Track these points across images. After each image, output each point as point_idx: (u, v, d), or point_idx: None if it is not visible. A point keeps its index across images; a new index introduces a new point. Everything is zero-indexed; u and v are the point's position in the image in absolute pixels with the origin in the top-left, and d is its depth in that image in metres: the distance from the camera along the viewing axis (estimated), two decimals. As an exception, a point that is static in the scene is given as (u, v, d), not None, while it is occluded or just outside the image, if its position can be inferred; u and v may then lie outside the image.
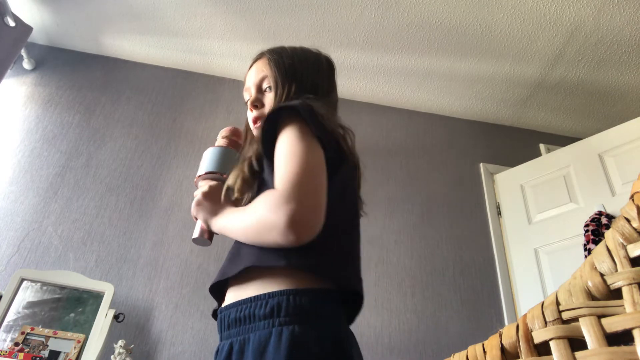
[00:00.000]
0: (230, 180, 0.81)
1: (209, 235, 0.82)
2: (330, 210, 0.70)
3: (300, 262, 0.66)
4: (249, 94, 0.94)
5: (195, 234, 0.82)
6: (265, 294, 0.66)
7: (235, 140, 0.96)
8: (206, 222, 0.81)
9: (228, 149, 0.92)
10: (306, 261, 0.67)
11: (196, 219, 0.84)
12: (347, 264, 0.75)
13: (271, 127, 0.76)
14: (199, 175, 0.89)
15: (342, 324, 0.70)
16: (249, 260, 0.68)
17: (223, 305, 0.74)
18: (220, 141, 0.95)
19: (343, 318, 0.71)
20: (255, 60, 0.96)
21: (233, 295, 0.72)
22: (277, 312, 0.63)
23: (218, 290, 0.80)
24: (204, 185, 0.85)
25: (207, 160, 0.91)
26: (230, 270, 0.72)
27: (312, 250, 0.67)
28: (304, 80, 0.90)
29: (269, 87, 0.90)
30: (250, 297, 0.67)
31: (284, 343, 0.60)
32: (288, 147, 0.71)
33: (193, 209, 0.83)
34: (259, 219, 0.66)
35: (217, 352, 0.73)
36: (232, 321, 0.68)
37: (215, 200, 0.81)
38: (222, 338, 0.71)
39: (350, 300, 0.74)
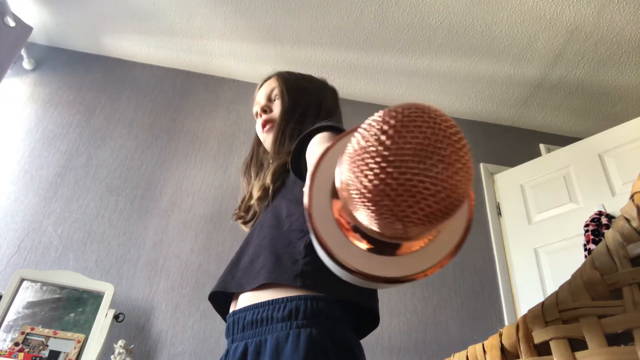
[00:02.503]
0: (253, 190, 0.88)
1: None
2: None
3: (313, 283, 0.68)
4: (258, 106, 1.00)
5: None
6: (283, 298, 0.67)
7: None
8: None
9: None
10: (320, 282, 0.69)
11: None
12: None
13: (303, 142, 0.76)
14: None
15: (352, 329, 0.72)
16: (265, 277, 0.70)
17: (237, 309, 0.75)
18: None
19: (351, 325, 0.73)
20: (265, 80, 1.04)
21: (248, 299, 0.73)
22: (295, 314, 0.65)
23: (219, 296, 0.82)
24: None
25: None
26: (247, 284, 0.74)
27: (325, 272, 0.70)
28: (309, 93, 0.98)
29: (278, 95, 0.97)
30: (268, 301, 0.68)
31: (302, 345, 0.61)
32: (328, 136, 0.73)
33: None
34: None
35: (226, 354, 0.73)
36: (247, 323, 0.70)
37: None
38: (235, 340, 0.72)
39: (365, 317, 0.77)
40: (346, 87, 2.61)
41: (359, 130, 0.25)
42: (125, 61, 2.58)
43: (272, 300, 0.68)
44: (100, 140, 2.27)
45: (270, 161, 0.91)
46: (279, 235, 0.76)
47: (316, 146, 0.69)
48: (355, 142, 0.24)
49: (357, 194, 0.23)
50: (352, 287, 0.74)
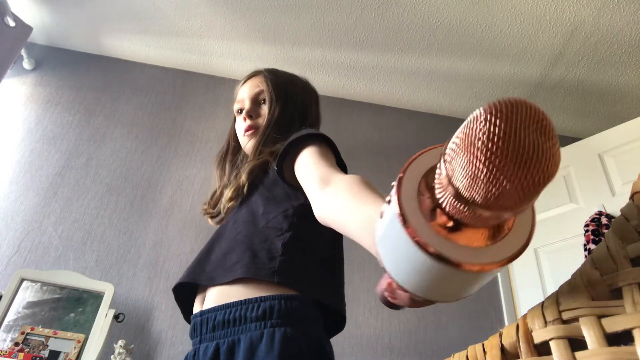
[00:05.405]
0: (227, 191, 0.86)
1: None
2: (318, 236, 0.75)
3: (289, 281, 0.69)
4: (241, 105, 0.99)
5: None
6: (256, 298, 0.67)
7: None
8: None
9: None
10: (295, 281, 0.69)
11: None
12: (332, 286, 0.78)
13: (292, 147, 0.77)
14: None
15: (323, 329, 0.72)
16: (241, 272, 0.70)
17: (205, 308, 0.74)
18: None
19: (322, 324, 0.73)
20: (250, 77, 1.02)
21: (217, 298, 0.72)
22: (269, 314, 0.64)
23: (184, 289, 0.82)
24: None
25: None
26: (219, 277, 0.73)
27: (302, 271, 0.71)
28: (295, 99, 0.96)
29: (264, 100, 0.95)
30: (241, 300, 0.67)
31: (277, 344, 0.61)
32: (322, 151, 0.73)
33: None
34: None
35: (193, 354, 0.72)
36: (218, 323, 0.69)
37: None
38: (203, 340, 0.71)
39: (332, 320, 0.77)
40: (346, 87, 2.61)
41: (468, 122, 0.27)
42: (125, 61, 2.58)
43: (245, 300, 0.67)
44: (100, 140, 2.27)
45: (248, 160, 0.91)
46: (255, 232, 0.75)
47: (319, 159, 0.69)
48: (465, 126, 0.27)
49: (477, 154, 0.26)
50: (326, 289, 0.75)
